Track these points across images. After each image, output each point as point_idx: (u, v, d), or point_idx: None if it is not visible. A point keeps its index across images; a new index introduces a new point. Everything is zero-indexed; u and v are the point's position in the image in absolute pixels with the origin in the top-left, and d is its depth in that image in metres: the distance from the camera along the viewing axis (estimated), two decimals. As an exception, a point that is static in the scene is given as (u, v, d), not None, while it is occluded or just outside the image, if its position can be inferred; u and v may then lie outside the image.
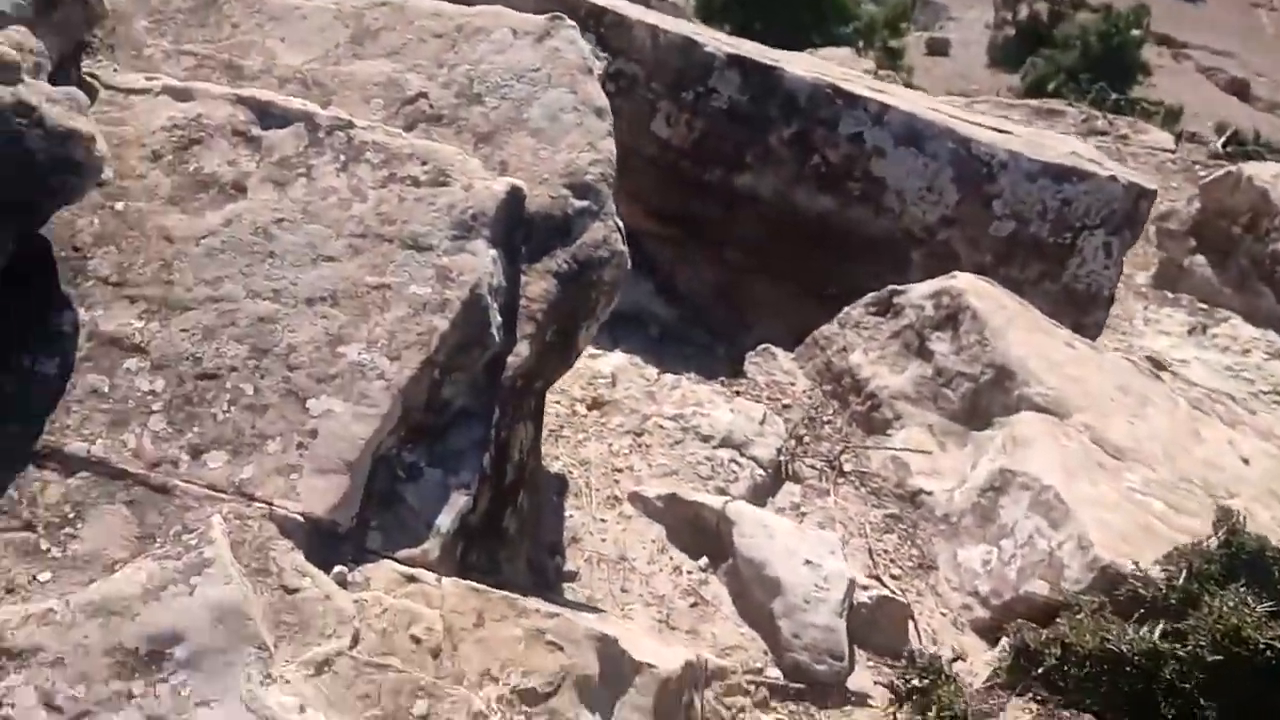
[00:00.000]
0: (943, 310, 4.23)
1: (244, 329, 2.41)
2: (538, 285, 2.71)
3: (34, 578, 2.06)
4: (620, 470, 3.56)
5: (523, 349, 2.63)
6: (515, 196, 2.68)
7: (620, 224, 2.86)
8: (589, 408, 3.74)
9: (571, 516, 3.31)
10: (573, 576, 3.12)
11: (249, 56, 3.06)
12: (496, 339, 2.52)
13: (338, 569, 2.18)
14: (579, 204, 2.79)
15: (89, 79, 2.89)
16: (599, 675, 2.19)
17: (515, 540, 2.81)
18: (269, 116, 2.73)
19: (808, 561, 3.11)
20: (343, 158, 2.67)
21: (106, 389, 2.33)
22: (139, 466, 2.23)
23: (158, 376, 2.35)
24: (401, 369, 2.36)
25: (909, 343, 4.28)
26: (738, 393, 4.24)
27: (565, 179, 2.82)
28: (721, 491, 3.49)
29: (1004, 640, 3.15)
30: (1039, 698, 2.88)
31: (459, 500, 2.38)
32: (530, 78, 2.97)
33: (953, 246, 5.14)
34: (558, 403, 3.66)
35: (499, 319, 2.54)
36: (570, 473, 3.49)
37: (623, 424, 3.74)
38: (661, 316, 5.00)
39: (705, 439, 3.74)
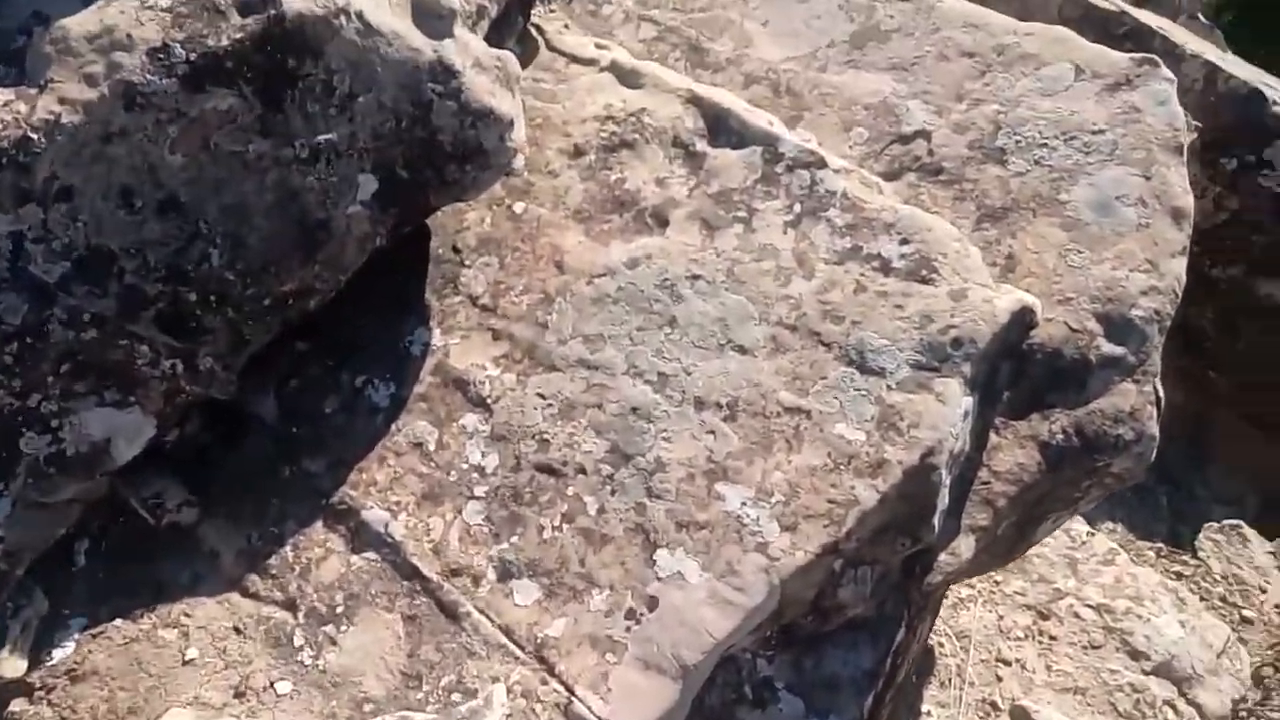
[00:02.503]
0: None
1: (610, 417, 1.72)
2: (1012, 456, 1.76)
3: (271, 684, 1.54)
4: (1008, 664, 2.53)
5: (964, 546, 1.71)
6: (1021, 322, 1.73)
7: (1160, 392, 1.81)
8: (998, 568, 2.72)
9: (929, 716, 2.38)
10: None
11: (719, 38, 2.32)
12: (935, 530, 1.63)
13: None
14: (1109, 349, 1.78)
15: (533, 32, 2.32)
16: None
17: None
18: (722, 130, 1.98)
19: None
20: (797, 208, 1.86)
21: (432, 445, 1.76)
22: (435, 569, 1.64)
23: (493, 449, 1.74)
24: (794, 547, 1.56)
25: None
26: (1180, 575, 3.01)
27: (1098, 305, 1.81)
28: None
29: None
30: None
31: (818, 750, 1.57)
32: (1085, 142, 1.95)
33: None
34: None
35: (947, 500, 1.65)
36: (941, 646, 2.53)
37: (1024, 592, 2.69)
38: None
39: (1135, 655, 2.59)
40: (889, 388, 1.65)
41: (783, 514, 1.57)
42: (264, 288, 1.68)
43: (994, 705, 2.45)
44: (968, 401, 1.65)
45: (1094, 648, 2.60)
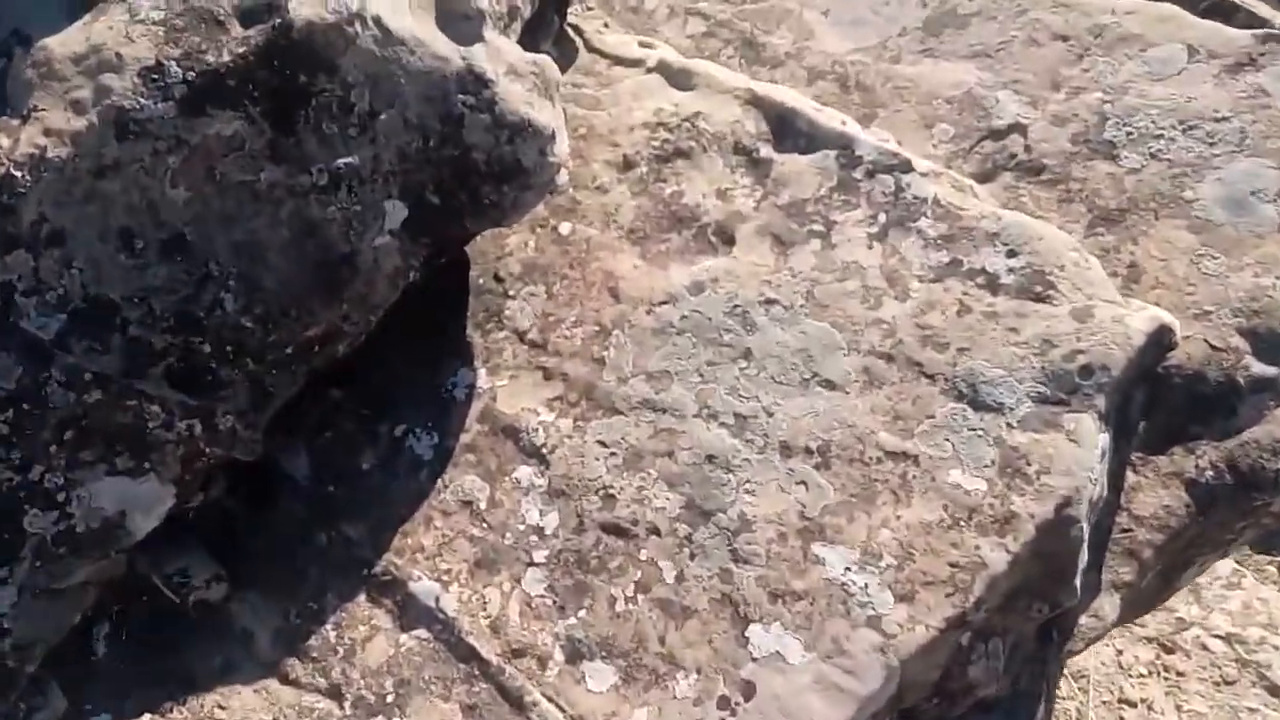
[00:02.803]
0: None
1: (683, 467, 1.49)
2: (1155, 498, 1.51)
3: (313, 799, 1.34)
4: (1133, 705, 2.28)
5: (1108, 607, 1.47)
6: (1159, 343, 1.48)
7: (1320, 414, 1.55)
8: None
9: (1053, 768, 2.12)
10: None
11: (776, 30, 2.09)
12: (1077, 593, 1.39)
13: None
14: (1260, 369, 1.53)
15: (570, 33, 2.10)
16: None
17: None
18: (789, 132, 1.75)
19: None
20: (882, 218, 1.62)
21: (484, 504, 1.54)
22: (495, 649, 1.42)
23: (552, 507, 1.52)
24: (913, 620, 1.32)
25: None
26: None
27: (1242, 319, 1.56)
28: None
29: None
30: None
31: None
32: (1208, 131, 1.70)
33: None
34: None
35: (1087, 557, 1.40)
36: (1057, 688, 2.27)
37: (1144, 623, 2.43)
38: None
39: (1275, 690, 2.33)
40: (1009, 426, 1.41)
41: (896, 580, 1.34)
42: (286, 334, 1.47)
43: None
44: (1104, 439, 1.41)
45: (1227, 684, 2.34)
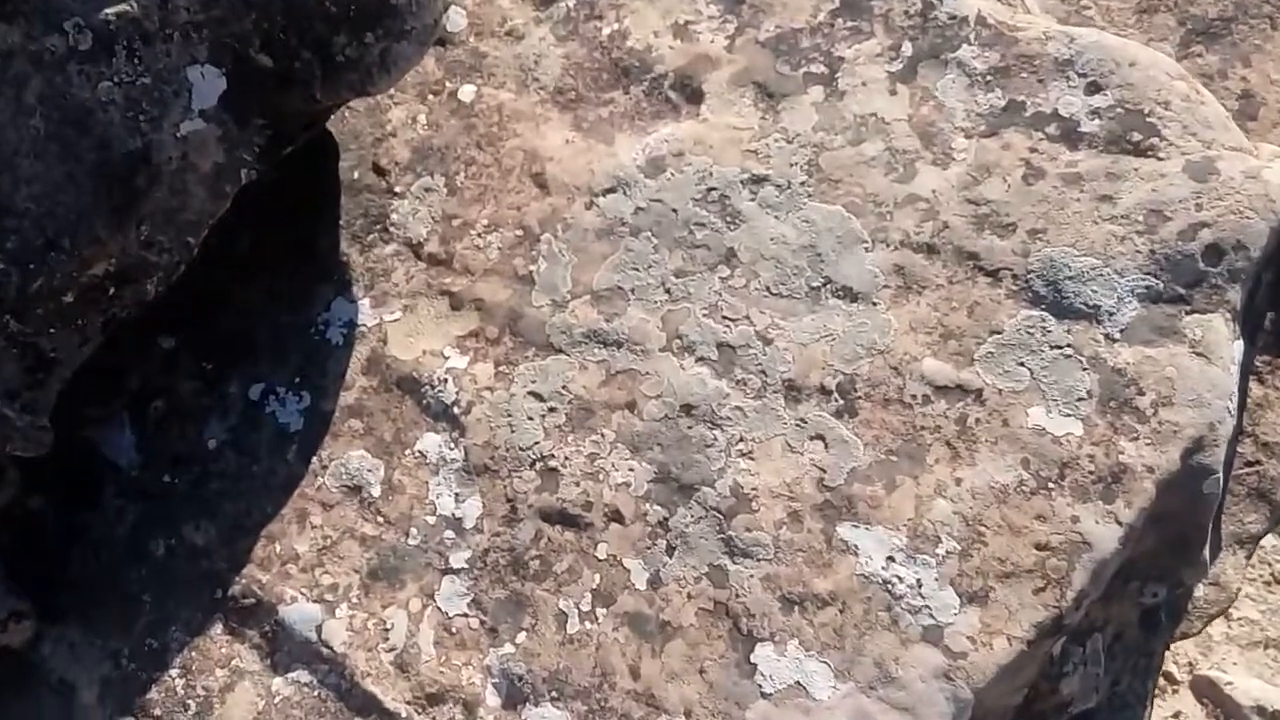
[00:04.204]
0: None
1: (650, 424, 1.06)
2: (1293, 417, 1.10)
3: None
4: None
5: (1231, 569, 1.09)
6: (1306, 204, 1.04)
7: None
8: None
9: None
10: None
11: None
12: (1207, 564, 0.99)
13: None
14: None
15: None
16: None
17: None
18: (767, -64, 1.24)
19: None
20: (908, 48, 1.14)
21: (377, 489, 1.11)
22: (402, 695, 1.01)
23: (473, 488, 1.08)
24: (988, 631, 0.92)
25: None
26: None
27: (1405, 161, 1.11)
28: None
29: None
30: None
31: None
32: (1348, -103, 1.21)
33: None
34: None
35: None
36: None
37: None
38: None
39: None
40: (1110, 340, 0.98)
41: (960, 573, 0.93)
42: (58, 274, 1.00)
43: (1169, 676, 1.86)
44: (1238, 349, 0.98)
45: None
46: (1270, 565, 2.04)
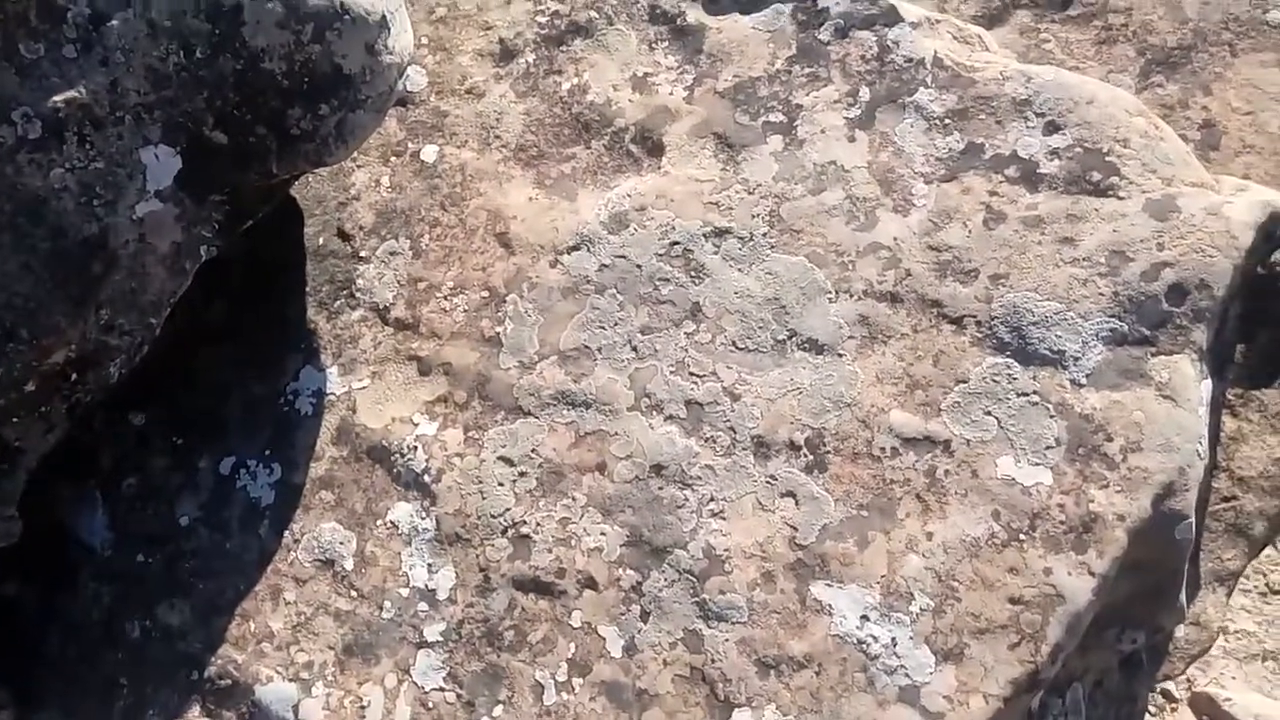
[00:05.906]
0: None
1: (621, 487, 1.04)
2: (1264, 449, 1.09)
3: None
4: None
5: (1211, 607, 1.06)
6: (1270, 235, 1.03)
7: None
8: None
9: None
10: None
11: None
12: (1184, 609, 0.98)
13: None
14: (1399, 255, 1.08)
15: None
16: None
17: None
18: (722, -16, 1.23)
19: None
20: (865, 94, 1.13)
21: (350, 563, 1.09)
22: (380, 778, 1.00)
23: (445, 558, 1.07)
24: (964, 690, 0.90)
25: None
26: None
27: (1368, 186, 1.10)
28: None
29: None
30: None
31: None
32: (1300, -79, 1.20)
33: None
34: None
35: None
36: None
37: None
38: None
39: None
40: (1076, 385, 0.96)
41: (934, 631, 0.91)
42: (17, 363, 0.98)
43: (1166, 694, 1.85)
44: (1206, 388, 0.97)
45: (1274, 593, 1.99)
46: (1266, 575, 2.03)
